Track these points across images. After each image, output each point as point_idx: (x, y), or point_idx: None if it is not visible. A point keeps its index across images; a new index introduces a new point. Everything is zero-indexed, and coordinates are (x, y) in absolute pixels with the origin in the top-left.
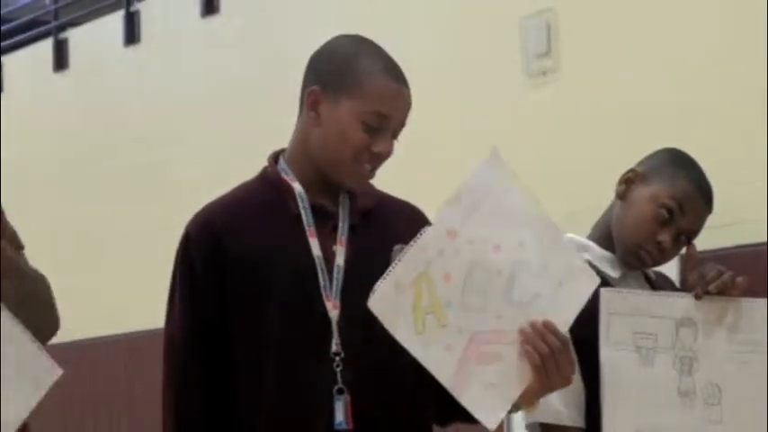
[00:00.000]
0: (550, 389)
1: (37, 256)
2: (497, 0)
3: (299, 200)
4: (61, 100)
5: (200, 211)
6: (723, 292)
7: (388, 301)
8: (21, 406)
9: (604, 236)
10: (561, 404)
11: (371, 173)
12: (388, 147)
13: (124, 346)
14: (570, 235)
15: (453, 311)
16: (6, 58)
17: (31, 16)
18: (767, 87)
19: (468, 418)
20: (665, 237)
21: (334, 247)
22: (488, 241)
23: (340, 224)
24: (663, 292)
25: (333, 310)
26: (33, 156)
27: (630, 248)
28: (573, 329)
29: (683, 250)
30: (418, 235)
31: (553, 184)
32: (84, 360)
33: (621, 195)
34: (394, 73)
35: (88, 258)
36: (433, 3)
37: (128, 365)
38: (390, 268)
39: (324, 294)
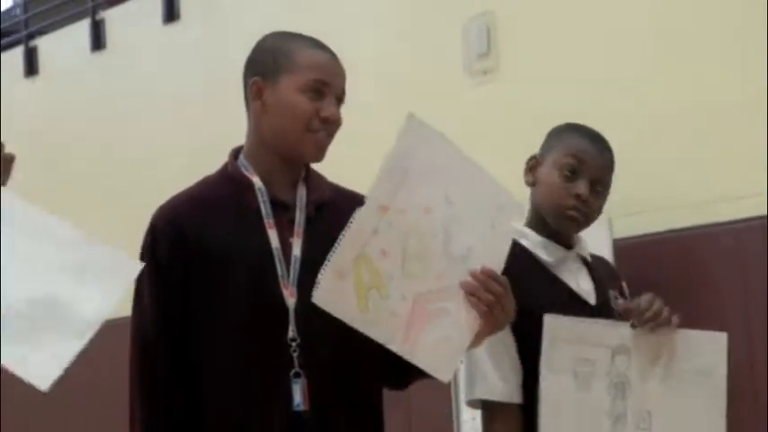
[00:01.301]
0: (498, 329)
1: None
2: (440, 3)
3: (258, 194)
4: (33, 105)
5: (164, 204)
6: (656, 328)
7: (332, 290)
8: (102, 304)
9: (534, 222)
10: (500, 381)
11: (327, 139)
12: (335, 110)
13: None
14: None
15: (395, 282)
16: None
17: (3, 26)
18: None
19: (425, 374)
20: (580, 188)
21: (291, 239)
22: (419, 206)
23: (297, 217)
24: (602, 321)
25: (290, 298)
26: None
27: (557, 213)
28: (516, 302)
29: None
30: (351, 218)
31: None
32: None
33: (531, 183)
34: (320, 45)
35: None
36: (379, 6)
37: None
38: (328, 258)
39: (281, 283)
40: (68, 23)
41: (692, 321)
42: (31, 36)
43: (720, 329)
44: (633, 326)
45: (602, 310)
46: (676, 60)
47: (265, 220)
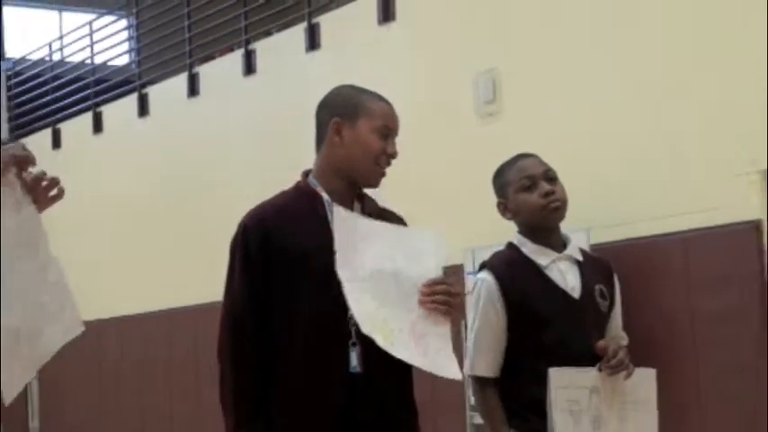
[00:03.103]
0: (461, 313)
1: (132, 251)
2: (457, 61)
3: (326, 205)
4: (144, 138)
5: (253, 210)
6: (614, 374)
7: (371, 324)
8: (52, 343)
9: (528, 235)
10: (483, 362)
11: (384, 172)
12: (396, 148)
13: (191, 315)
14: (516, 234)
15: (391, 320)
16: (105, 108)
17: (122, 77)
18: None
19: None
20: (543, 189)
21: None
22: (374, 269)
23: None
24: (580, 368)
25: None
26: (126, 180)
27: (543, 214)
28: (513, 300)
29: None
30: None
31: (494, 205)
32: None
33: (512, 217)
34: (385, 99)
35: (168, 250)
36: (408, 63)
37: (197, 330)
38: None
39: None
40: (171, 76)
41: (648, 306)
42: (144, 85)
43: (669, 312)
44: (600, 369)
45: (584, 301)
46: (643, 107)
47: (331, 226)
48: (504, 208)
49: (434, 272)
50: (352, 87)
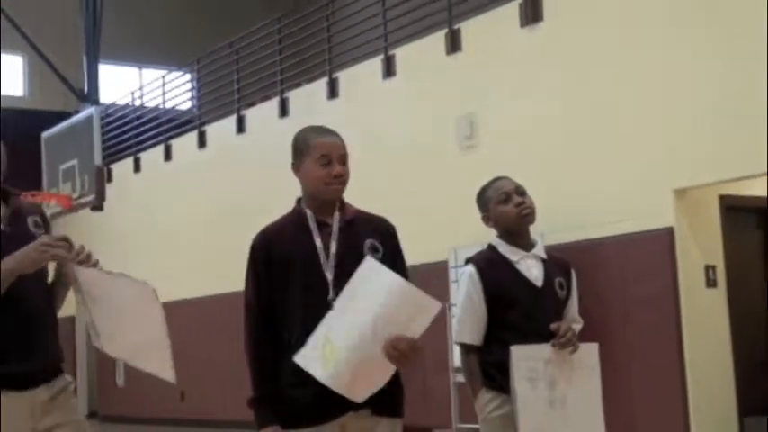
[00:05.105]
0: (409, 367)
1: (193, 252)
2: (443, 107)
3: (309, 219)
4: (203, 165)
5: (261, 231)
6: (563, 348)
7: (308, 357)
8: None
9: (504, 238)
10: (469, 332)
11: (340, 186)
12: (340, 169)
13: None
14: (494, 237)
15: (343, 352)
16: (173, 142)
17: (186, 118)
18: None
19: None
20: (516, 200)
21: (330, 243)
22: (359, 309)
23: (333, 229)
24: (539, 345)
25: (329, 275)
26: (189, 196)
27: (518, 221)
28: (489, 285)
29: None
30: (326, 316)
31: (471, 215)
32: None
33: (493, 225)
34: (323, 131)
35: (220, 251)
36: (408, 110)
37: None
38: (309, 339)
39: (324, 268)
40: (223, 117)
41: (590, 294)
42: (202, 123)
43: (606, 298)
44: (554, 345)
45: (545, 289)
46: (585, 141)
47: (313, 233)
48: (488, 219)
49: (413, 333)
50: (303, 130)
